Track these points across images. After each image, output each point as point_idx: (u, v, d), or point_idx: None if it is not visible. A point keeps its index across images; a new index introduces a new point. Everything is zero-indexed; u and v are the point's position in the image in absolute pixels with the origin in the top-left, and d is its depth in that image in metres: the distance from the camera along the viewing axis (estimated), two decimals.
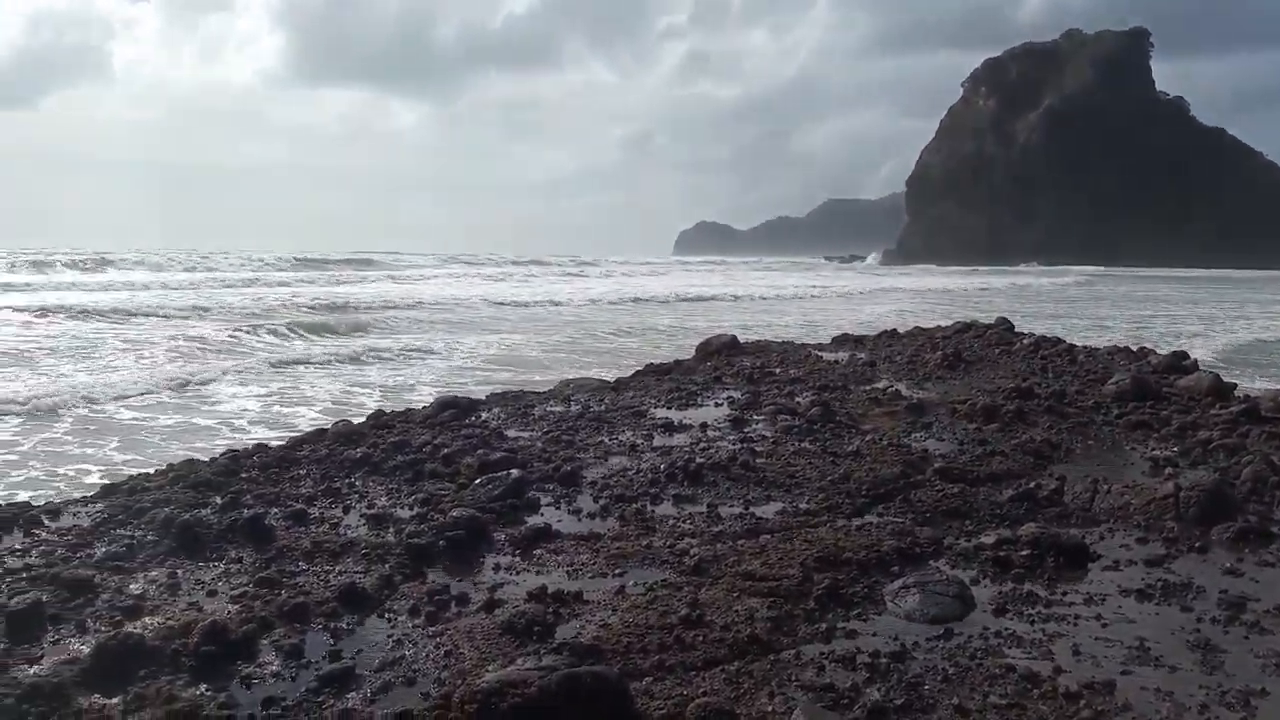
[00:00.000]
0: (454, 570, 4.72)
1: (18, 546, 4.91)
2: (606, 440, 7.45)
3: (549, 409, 8.85)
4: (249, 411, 14.50)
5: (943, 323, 16.01)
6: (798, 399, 9.03)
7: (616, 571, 4.71)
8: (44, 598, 4.05)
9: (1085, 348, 12.62)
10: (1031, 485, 5.95)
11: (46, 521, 5.32)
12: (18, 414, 13.14)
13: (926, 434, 7.59)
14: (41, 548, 4.86)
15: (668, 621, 4.03)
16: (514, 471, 6.01)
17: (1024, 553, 4.78)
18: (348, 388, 16.95)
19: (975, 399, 8.51)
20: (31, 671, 3.49)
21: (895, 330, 15.49)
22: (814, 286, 64.12)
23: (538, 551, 5.00)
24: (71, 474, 10.44)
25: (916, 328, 15.65)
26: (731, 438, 7.55)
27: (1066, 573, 4.67)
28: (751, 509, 5.71)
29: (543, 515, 5.59)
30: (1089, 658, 3.75)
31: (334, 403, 15.36)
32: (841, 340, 15.18)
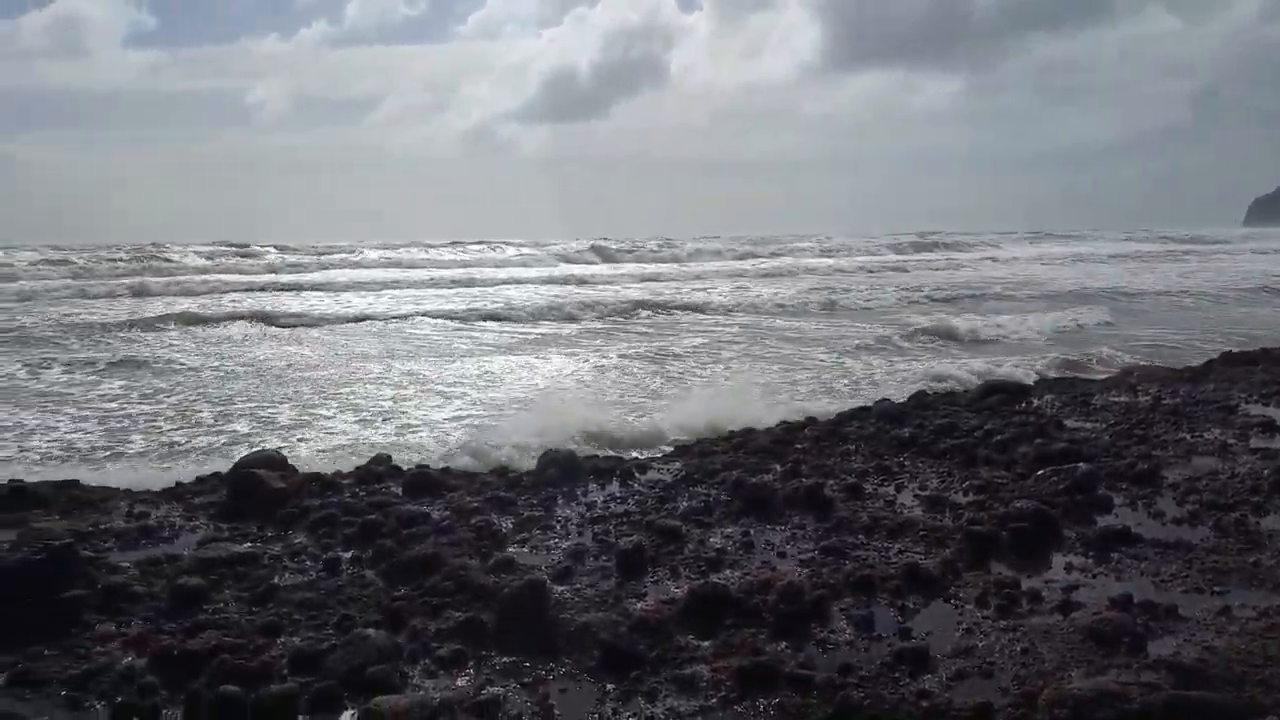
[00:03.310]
0: (1019, 564, 4.43)
1: (618, 494, 5.66)
2: (1188, 437, 6.52)
3: (1111, 399, 8.01)
4: None
5: None
6: None
7: (1216, 588, 4.07)
8: (643, 541, 4.60)
9: None
10: None
11: (637, 475, 6.05)
12: None
13: None
14: (636, 497, 5.55)
15: None
16: (1081, 465, 5.50)
17: None
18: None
19: None
20: (639, 606, 3.96)
21: None
22: None
23: (1114, 555, 4.51)
24: None
25: None
26: None
27: None
28: None
29: (1117, 515, 5.04)
30: None
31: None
32: None
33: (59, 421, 12.78)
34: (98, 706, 3.32)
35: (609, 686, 3.41)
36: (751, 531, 4.86)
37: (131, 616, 3.96)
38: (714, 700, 3.28)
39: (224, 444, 11.31)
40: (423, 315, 25.45)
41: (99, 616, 3.93)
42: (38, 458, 10.76)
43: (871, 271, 45.08)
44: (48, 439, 11.80)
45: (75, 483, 6.57)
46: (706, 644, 3.65)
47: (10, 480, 6.64)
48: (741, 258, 54.28)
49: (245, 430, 11.99)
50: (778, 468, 5.98)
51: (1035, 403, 7.86)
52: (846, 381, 14.15)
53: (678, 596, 4.00)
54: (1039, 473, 5.52)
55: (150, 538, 4.96)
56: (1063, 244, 69.71)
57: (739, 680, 3.34)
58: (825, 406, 8.95)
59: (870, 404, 8.22)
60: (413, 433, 11.73)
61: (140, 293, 31.56)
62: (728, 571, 4.33)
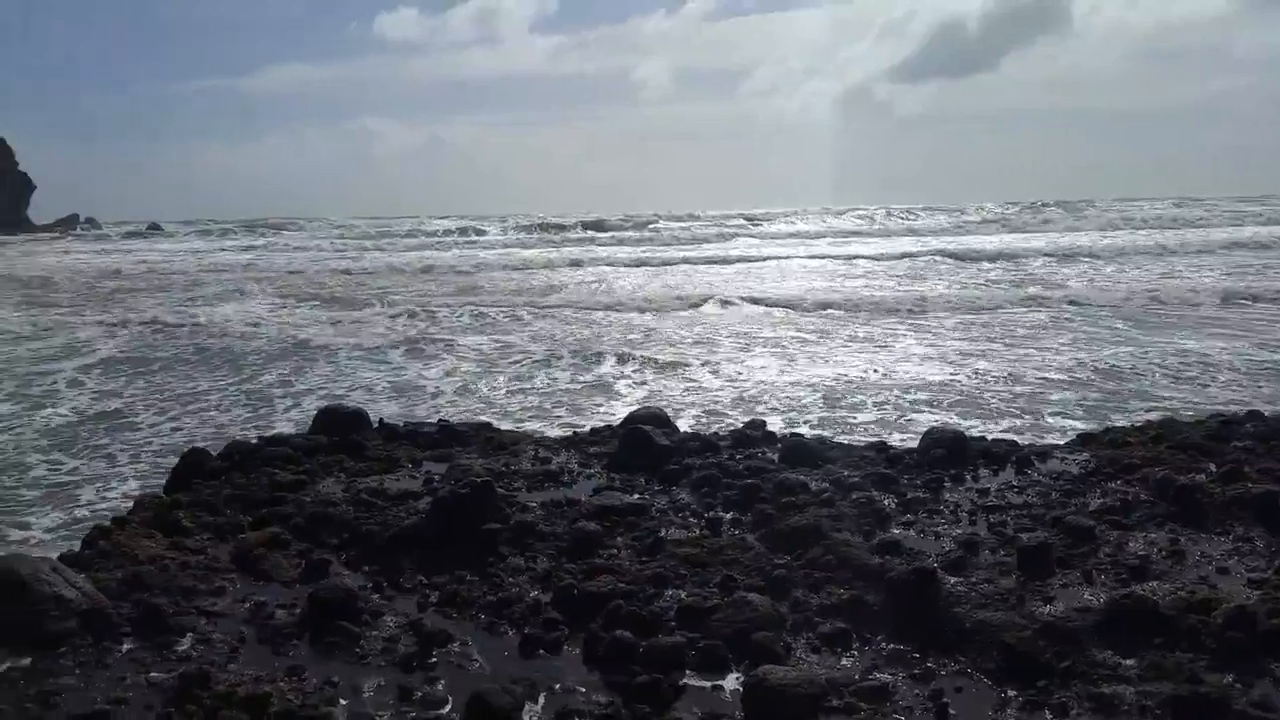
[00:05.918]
0: None
1: (1013, 483, 5.17)
2: None
3: None
4: None
5: None
6: None
7: None
8: (1050, 539, 4.13)
9: None
10: None
11: (1036, 463, 5.50)
12: None
13: None
14: (1036, 488, 5.04)
15: None
16: None
17: None
18: None
19: None
20: (1046, 610, 3.55)
21: None
22: None
23: None
24: None
25: None
26: None
27: None
28: None
29: None
30: None
31: None
32: None
33: (441, 370, 15.64)
34: (509, 633, 3.60)
35: (1010, 693, 3.10)
36: (1182, 539, 4.20)
37: (538, 553, 4.26)
38: None
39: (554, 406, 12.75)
40: (765, 305, 25.55)
41: (511, 550, 4.28)
42: (440, 403, 12.97)
43: None
44: (440, 385, 14.57)
45: (489, 425, 7.30)
46: (1129, 663, 3.19)
47: (439, 420, 7.53)
48: (1174, 224, 47.60)
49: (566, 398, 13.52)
50: (1213, 468, 5.14)
51: None
52: None
53: (1093, 605, 3.54)
54: None
55: (552, 481, 5.33)
56: None
57: (1174, 710, 2.87)
58: None
59: None
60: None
61: (544, 266, 35.22)
62: (1154, 584, 3.75)
